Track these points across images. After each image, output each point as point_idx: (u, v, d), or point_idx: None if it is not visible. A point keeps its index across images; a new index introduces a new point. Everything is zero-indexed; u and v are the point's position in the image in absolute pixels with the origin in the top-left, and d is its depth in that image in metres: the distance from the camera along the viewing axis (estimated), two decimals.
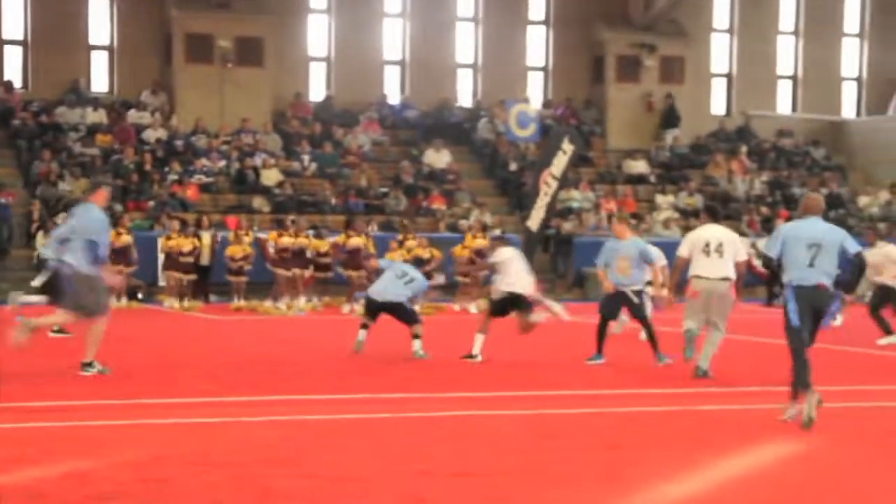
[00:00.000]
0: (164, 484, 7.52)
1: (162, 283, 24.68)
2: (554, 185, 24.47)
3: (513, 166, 31.70)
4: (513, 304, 15.15)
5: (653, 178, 32.90)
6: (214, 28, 31.07)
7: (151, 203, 27.40)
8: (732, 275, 13.19)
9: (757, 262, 29.14)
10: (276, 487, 7.48)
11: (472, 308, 23.77)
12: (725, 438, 9.67)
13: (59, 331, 16.65)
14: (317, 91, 33.39)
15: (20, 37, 31.47)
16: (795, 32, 36.89)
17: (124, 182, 28.09)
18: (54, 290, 16.34)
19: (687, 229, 29.91)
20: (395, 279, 15.39)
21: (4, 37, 31.46)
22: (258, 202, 28.52)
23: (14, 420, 9.84)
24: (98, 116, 30.42)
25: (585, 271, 26.58)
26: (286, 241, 23.76)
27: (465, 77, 34.60)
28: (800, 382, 10.22)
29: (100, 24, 31.81)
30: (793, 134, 35.92)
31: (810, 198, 10.99)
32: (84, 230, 12.61)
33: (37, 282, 14.53)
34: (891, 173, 33.81)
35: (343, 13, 33.07)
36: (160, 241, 24.56)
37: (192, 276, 24.35)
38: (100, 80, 32.02)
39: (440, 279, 24.28)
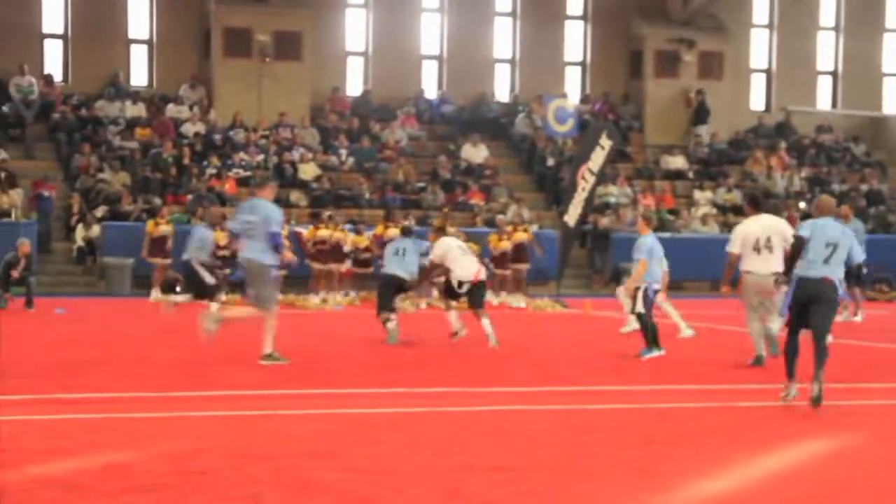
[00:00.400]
0: (204, 476, 7.57)
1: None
2: (591, 180, 24.41)
3: (550, 161, 31.66)
4: (461, 290, 15.72)
5: (691, 174, 32.77)
6: (253, 22, 31.18)
7: (189, 196, 27.55)
8: (781, 267, 13.16)
9: None
10: (314, 480, 7.52)
11: (514, 302, 23.77)
12: (761, 435, 9.63)
13: (212, 325, 17.46)
14: (354, 86, 33.46)
15: (60, 31, 31.71)
16: (836, 27, 36.63)
17: (163, 176, 28.26)
18: (197, 286, 17.15)
19: (725, 225, 29.83)
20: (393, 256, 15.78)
21: (45, 31, 31.71)
22: (295, 196, 28.62)
23: (50, 412, 9.93)
24: (137, 110, 30.62)
25: (622, 266, 26.48)
26: (323, 233, 23.83)
27: (503, 72, 34.57)
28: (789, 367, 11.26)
29: (139, 18, 32.01)
30: (832, 130, 35.68)
31: (823, 199, 11.76)
32: (266, 223, 13.14)
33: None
34: None
35: (381, 8, 33.11)
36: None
37: (227, 271, 24.44)
38: (139, 74, 32.23)
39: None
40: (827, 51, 36.68)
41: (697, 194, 31.64)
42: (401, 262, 16.45)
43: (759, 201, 14.74)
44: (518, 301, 24.05)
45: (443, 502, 7.12)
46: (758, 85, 36.32)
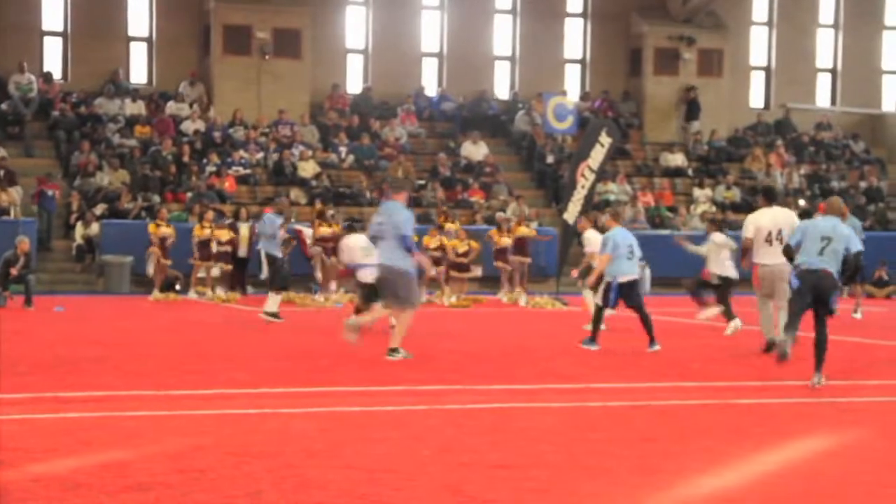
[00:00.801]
0: (202, 474, 7.55)
1: (201, 274, 24.80)
2: (591, 177, 24.41)
3: (550, 159, 31.65)
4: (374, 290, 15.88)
5: (690, 172, 32.76)
6: (252, 20, 31.18)
7: (189, 194, 27.54)
8: None
9: None
10: (313, 478, 7.51)
11: (522, 301, 23.71)
12: (761, 432, 9.63)
13: (273, 315, 18.27)
14: (354, 83, 33.45)
15: (59, 28, 31.70)
16: (835, 25, 36.62)
17: (162, 173, 28.25)
18: (274, 283, 17.44)
19: (724, 222, 29.80)
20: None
21: (44, 28, 31.70)
22: (295, 194, 28.61)
23: (50, 410, 9.91)
24: (136, 108, 30.61)
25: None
26: (325, 230, 23.84)
27: (503, 69, 34.56)
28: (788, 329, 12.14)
29: (138, 16, 32.00)
30: (832, 127, 35.68)
31: (833, 201, 12.91)
32: (396, 226, 13.49)
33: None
34: None
35: (381, 5, 33.10)
36: (194, 230, 24.66)
37: (229, 267, 24.46)
38: (138, 72, 32.22)
39: (478, 271, 24.34)
40: (826, 48, 36.67)
41: (696, 192, 31.64)
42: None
43: (773, 194, 15.39)
44: (519, 296, 24.04)
45: (443, 500, 7.11)
46: (757, 82, 36.32)
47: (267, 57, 31.22)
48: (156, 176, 28.15)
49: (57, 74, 31.29)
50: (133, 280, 25.48)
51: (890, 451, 9.01)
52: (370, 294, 15.63)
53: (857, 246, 12.10)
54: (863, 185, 32.90)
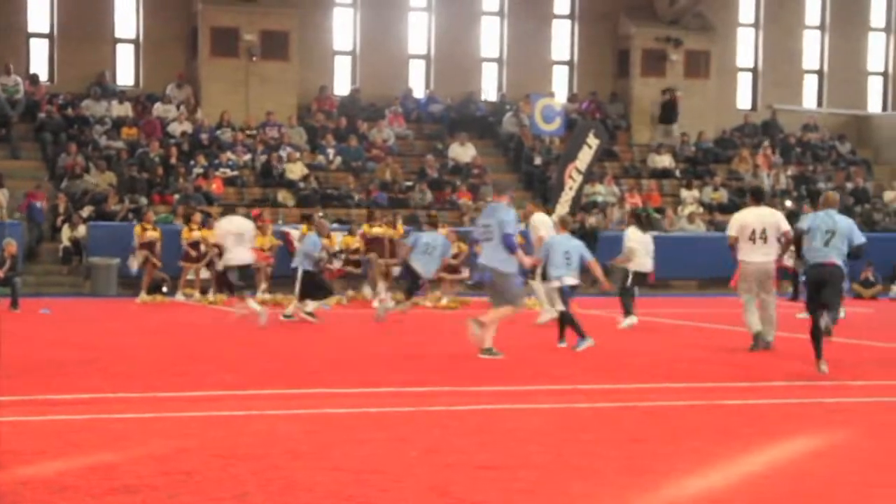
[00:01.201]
0: (189, 477, 7.53)
1: (189, 276, 24.74)
2: (579, 179, 24.43)
3: (538, 160, 31.67)
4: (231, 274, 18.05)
5: (678, 173, 32.81)
6: (240, 21, 31.14)
7: (176, 196, 27.49)
8: (775, 254, 15.04)
9: (787, 259, 29.07)
10: (300, 480, 7.49)
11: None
12: (749, 433, 9.63)
13: (310, 314, 18.92)
14: (342, 85, 33.44)
15: (46, 30, 31.63)
16: (821, 27, 36.71)
17: (149, 175, 28.19)
18: (310, 287, 18.91)
19: (711, 224, 29.87)
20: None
21: (30, 30, 31.62)
22: (283, 196, 28.58)
23: (36, 413, 9.88)
24: (123, 109, 30.55)
25: (610, 265, 26.48)
26: (377, 231, 23.95)
27: (490, 71, 34.58)
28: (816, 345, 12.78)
29: (125, 18, 31.95)
30: (818, 128, 35.76)
31: (829, 195, 13.62)
32: (501, 226, 13.87)
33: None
34: None
35: (368, 7, 33.10)
36: (182, 232, 24.61)
37: (216, 269, 24.42)
38: (125, 74, 32.16)
39: (466, 273, 24.32)
40: (812, 50, 36.77)
41: (684, 193, 31.69)
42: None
43: (761, 194, 15.87)
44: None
45: (430, 501, 7.10)
46: (744, 84, 36.39)
47: (254, 59, 31.19)
48: (143, 178, 28.08)
49: (43, 76, 31.22)
50: (120, 282, 25.41)
51: (877, 451, 9.02)
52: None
53: (859, 238, 12.99)
54: (849, 186, 32.98)
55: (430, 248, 19.68)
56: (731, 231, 15.17)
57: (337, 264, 24.43)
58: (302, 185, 29.01)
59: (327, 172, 30.08)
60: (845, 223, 13.00)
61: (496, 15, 34.42)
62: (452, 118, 32.93)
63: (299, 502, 6.96)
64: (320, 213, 25.73)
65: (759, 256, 14.89)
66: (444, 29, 33.65)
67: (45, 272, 26.66)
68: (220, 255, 18.93)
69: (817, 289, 12.75)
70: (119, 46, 32.09)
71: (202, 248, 24.27)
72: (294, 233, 25.07)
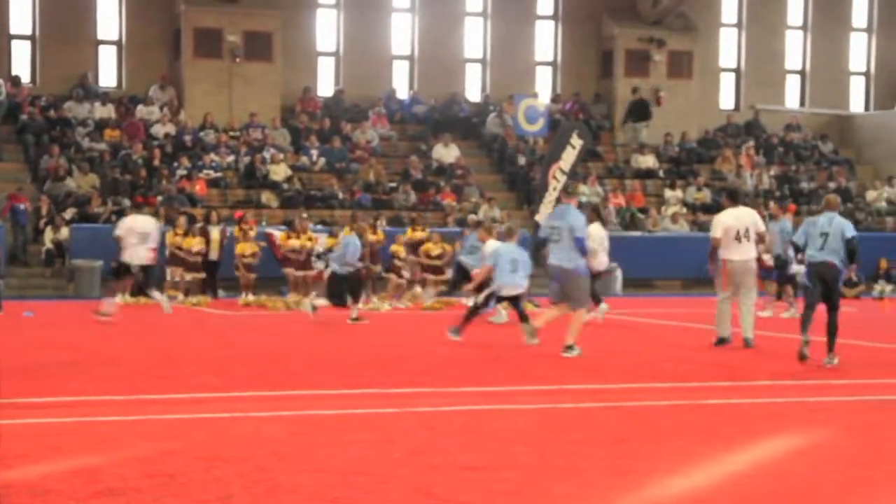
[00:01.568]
0: (173, 479, 7.52)
1: (170, 277, 24.68)
2: (563, 179, 24.44)
3: (521, 161, 31.70)
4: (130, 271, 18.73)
5: (661, 173, 32.87)
6: (223, 23, 31.09)
7: (159, 198, 27.43)
8: (755, 252, 15.65)
9: (765, 257, 29.12)
10: (284, 482, 7.49)
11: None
12: (732, 432, 9.67)
13: (356, 319, 18.98)
14: (325, 86, 33.41)
15: (28, 31, 31.53)
16: (804, 27, 36.83)
17: (132, 177, 28.13)
18: (336, 290, 19.09)
19: (695, 224, 29.95)
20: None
21: (12, 31, 31.52)
22: (266, 197, 28.55)
23: (19, 416, 9.85)
24: (106, 111, 30.48)
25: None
26: (294, 243, 23.63)
27: (474, 72, 34.59)
28: (803, 328, 13.72)
29: (108, 19, 31.86)
30: (801, 128, 35.87)
31: (830, 198, 14.55)
32: (572, 229, 14.32)
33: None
34: None
35: (351, 8, 33.08)
36: (167, 236, 24.55)
37: (201, 275, 24.37)
38: (108, 75, 32.08)
39: (450, 273, 24.29)
40: (795, 50, 36.88)
41: (668, 193, 31.76)
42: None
43: (737, 195, 16.17)
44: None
45: (415, 502, 7.11)
46: (727, 84, 36.48)
47: (238, 60, 31.14)
48: (126, 180, 28.02)
49: (25, 78, 31.13)
50: (104, 284, 25.34)
51: (859, 450, 9.06)
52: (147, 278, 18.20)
53: (850, 232, 13.80)
54: (832, 185, 33.09)
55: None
56: (716, 233, 15.48)
57: (320, 266, 24.37)
58: (286, 186, 28.98)
59: (311, 174, 30.06)
60: (838, 222, 13.77)
61: (479, 16, 34.44)
62: (436, 119, 32.94)
63: None
64: (304, 215, 25.71)
65: (740, 254, 15.36)
66: (427, 30, 33.66)
67: (29, 275, 26.58)
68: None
69: (816, 287, 13.73)
70: (101, 48, 32.02)
71: (184, 254, 24.14)
72: (277, 234, 25.03)
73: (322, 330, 18.89)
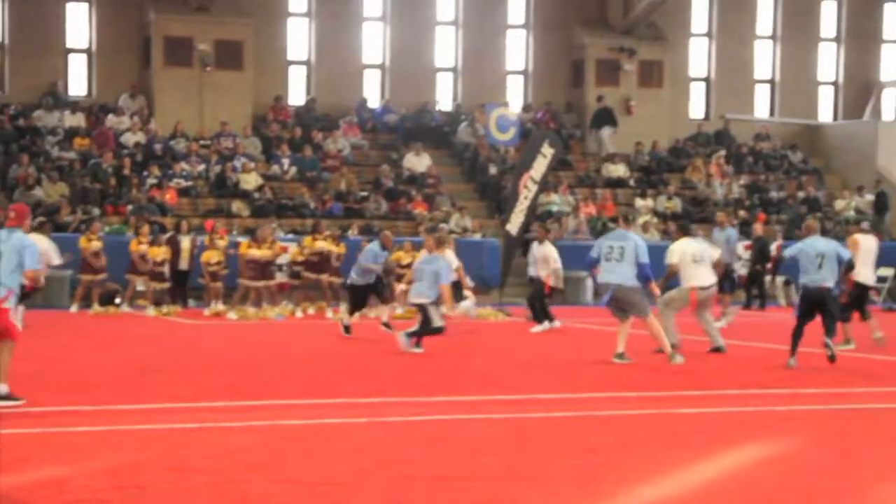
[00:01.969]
0: (142, 490, 7.50)
1: (140, 287, 24.56)
2: (534, 188, 24.51)
3: (493, 170, 31.74)
4: None
5: (632, 182, 32.99)
6: (193, 31, 31.00)
7: (129, 207, 27.32)
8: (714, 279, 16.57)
9: (736, 265, 29.36)
10: (254, 493, 7.48)
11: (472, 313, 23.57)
12: (701, 441, 9.71)
13: (386, 325, 18.90)
14: (296, 95, 33.37)
15: None
16: (773, 37, 37.04)
17: (102, 186, 28.01)
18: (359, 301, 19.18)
19: (665, 233, 30.04)
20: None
21: None
22: (237, 206, 28.47)
23: None
24: (76, 120, 30.34)
25: (564, 276, 26.58)
26: (255, 253, 23.47)
27: (446, 81, 34.63)
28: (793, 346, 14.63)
29: (77, 28, 31.71)
30: (770, 138, 36.06)
31: (810, 223, 15.64)
32: (637, 251, 15.32)
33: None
34: (866, 177, 34.00)
35: (323, 17, 33.06)
36: (130, 245, 24.38)
37: (165, 285, 24.23)
38: (78, 84, 31.93)
39: None
40: (765, 60, 37.07)
41: (639, 202, 31.86)
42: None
43: (687, 228, 17.59)
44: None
45: None
46: (697, 93, 36.64)
47: (208, 69, 31.05)
48: (95, 189, 27.88)
49: None
50: (73, 294, 25.19)
51: (827, 458, 9.12)
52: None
53: (846, 254, 14.89)
54: (801, 195, 33.26)
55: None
56: (672, 259, 16.26)
57: (282, 276, 24.29)
58: (257, 195, 28.91)
59: (282, 183, 30.00)
60: (831, 246, 14.79)
61: (451, 25, 34.48)
62: (407, 128, 32.95)
63: None
64: (274, 225, 25.57)
65: (708, 280, 16.25)
66: (399, 39, 33.66)
67: None
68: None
69: (810, 307, 14.58)
70: (71, 56, 31.87)
71: (148, 264, 23.99)
72: (241, 249, 24.77)
73: (292, 339, 18.86)
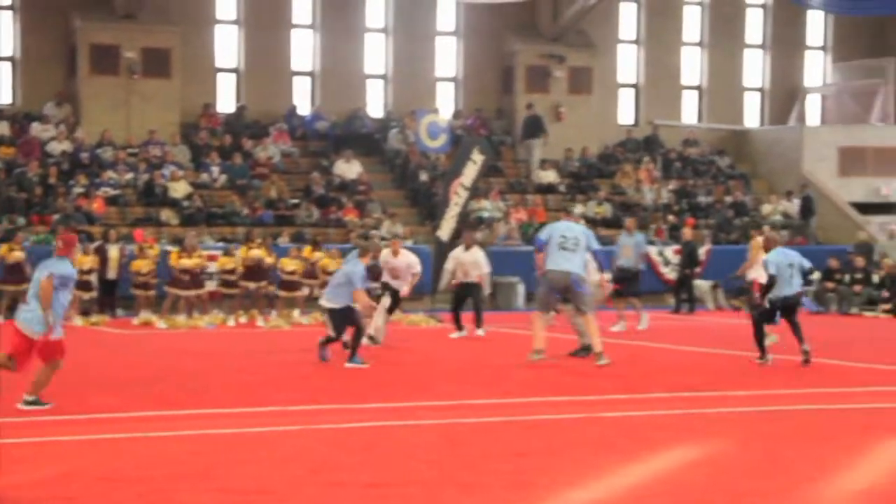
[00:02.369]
0: (71, 501, 7.44)
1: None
2: (464, 195, 24.57)
3: (424, 177, 31.78)
4: None
5: (563, 188, 33.19)
6: (120, 39, 30.70)
7: (56, 216, 27.00)
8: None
9: (665, 270, 29.71)
10: (185, 502, 7.44)
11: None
12: (630, 444, 9.81)
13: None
14: (225, 102, 33.17)
15: None
16: (700, 44, 37.46)
17: (28, 195, 27.66)
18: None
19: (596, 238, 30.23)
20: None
21: None
22: (166, 215, 28.25)
23: None
24: (0, 129, 29.94)
25: (496, 281, 26.69)
26: (185, 262, 23.30)
27: (376, 88, 34.61)
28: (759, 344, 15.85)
29: (2, 35, 31.30)
30: (698, 143, 36.46)
31: (771, 237, 16.69)
32: (589, 240, 15.70)
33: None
34: (792, 181, 34.48)
35: (252, 24, 32.91)
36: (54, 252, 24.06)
37: (92, 294, 23.99)
38: (2, 92, 31.51)
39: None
40: (692, 66, 37.47)
41: (569, 208, 32.03)
42: None
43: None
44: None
45: None
46: (626, 99, 36.94)
47: (136, 76, 30.78)
48: (21, 198, 27.53)
49: None
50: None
51: (753, 460, 9.25)
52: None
53: (807, 264, 15.94)
54: (728, 199, 33.65)
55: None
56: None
57: (211, 286, 24.12)
58: (186, 203, 28.70)
59: (212, 191, 29.81)
60: (797, 257, 15.81)
61: (381, 32, 34.48)
62: (338, 135, 32.88)
63: None
64: (192, 233, 25.20)
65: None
66: (328, 46, 33.59)
67: None
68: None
69: (783, 312, 15.71)
70: None
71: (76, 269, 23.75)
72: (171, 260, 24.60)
73: (223, 348, 18.75)
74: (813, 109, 38.57)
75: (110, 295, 24.45)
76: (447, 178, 25.62)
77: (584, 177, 33.88)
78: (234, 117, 32.49)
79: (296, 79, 33.80)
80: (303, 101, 33.86)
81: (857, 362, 16.38)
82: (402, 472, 8.50)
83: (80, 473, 8.27)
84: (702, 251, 28.63)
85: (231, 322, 23.13)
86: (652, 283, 28.28)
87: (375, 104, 34.49)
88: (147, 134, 30.46)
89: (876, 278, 27.96)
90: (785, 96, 37.97)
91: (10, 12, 31.29)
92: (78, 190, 28.00)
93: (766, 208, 33.71)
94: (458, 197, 24.49)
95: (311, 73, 33.96)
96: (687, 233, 27.76)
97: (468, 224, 25.79)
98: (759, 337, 15.86)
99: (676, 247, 28.57)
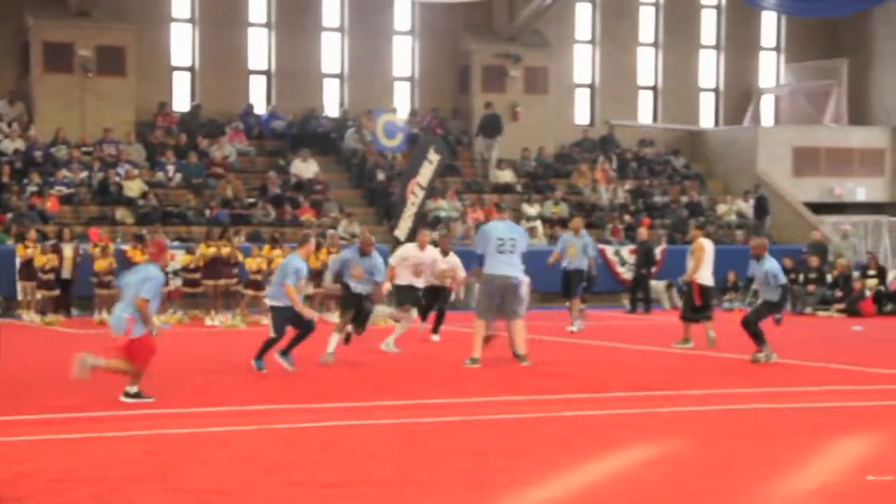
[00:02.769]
0: (23, 502, 7.35)
1: (21, 296, 24.06)
2: (421, 194, 24.56)
3: (380, 176, 31.73)
4: None
5: (519, 188, 33.24)
6: (74, 37, 30.45)
7: (9, 215, 26.74)
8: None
9: (621, 269, 29.84)
10: (140, 503, 7.37)
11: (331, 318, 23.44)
12: (587, 443, 9.83)
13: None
14: (181, 101, 32.97)
15: None
16: (655, 44, 37.64)
17: None
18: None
19: (552, 238, 30.33)
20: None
21: None
22: (121, 213, 28.04)
23: None
24: None
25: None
26: (143, 258, 23.14)
27: (332, 87, 34.53)
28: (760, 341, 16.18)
29: None
30: (654, 143, 36.63)
31: (762, 243, 16.94)
32: (522, 245, 15.68)
33: None
34: (747, 181, 34.72)
35: (207, 23, 32.74)
36: (17, 250, 23.89)
37: (55, 293, 23.81)
38: None
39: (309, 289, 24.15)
40: (647, 66, 37.65)
41: (526, 207, 32.11)
42: None
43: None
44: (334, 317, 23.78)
45: None
46: (582, 99, 37.05)
47: (90, 74, 30.54)
48: None
49: None
50: None
51: (709, 459, 9.29)
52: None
53: (782, 280, 16.46)
54: (684, 199, 33.83)
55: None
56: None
57: (174, 284, 23.98)
58: (141, 202, 28.51)
59: (167, 190, 29.62)
60: (773, 266, 16.41)
61: (337, 31, 34.39)
62: (294, 134, 32.77)
63: None
64: (144, 231, 25.03)
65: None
66: (284, 45, 33.47)
67: None
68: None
69: (768, 312, 16.38)
70: None
71: (36, 271, 23.54)
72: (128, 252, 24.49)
73: (178, 347, 18.62)
74: (767, 110, 38.87)
75: (65, 294, 24.24)
76: (404, 178, 25.60)
77: (540, 176, 33.95)
78: (190, 116, 32.30)
79: (252, 78, 33.67)
80: (259, 100, 33.73)
81: (811, 361, 16.51)
82: (360, 471, 8.47)
83: (32, 474, 8.18)
84: (658, 251, 28.76)
85: (187, 321, 23.01)
86: (608, 282, 28.40)
87: (332, 103, 34.41)
88: (101, 132, 30.23)
89: (829, 278, 28.19)
90: (739, 97, 38.23)
91: None
92: (32, 189, 27.75)
93: (721, 208, 33.92)
94: (414, 196, 24.47)
95: (267, 72, 33.83)
96: (643, 233, 27.86)
97: (425, 224, 25.79)
98: (756, 333, 16.14)
99: (632, 246, 28.67)
